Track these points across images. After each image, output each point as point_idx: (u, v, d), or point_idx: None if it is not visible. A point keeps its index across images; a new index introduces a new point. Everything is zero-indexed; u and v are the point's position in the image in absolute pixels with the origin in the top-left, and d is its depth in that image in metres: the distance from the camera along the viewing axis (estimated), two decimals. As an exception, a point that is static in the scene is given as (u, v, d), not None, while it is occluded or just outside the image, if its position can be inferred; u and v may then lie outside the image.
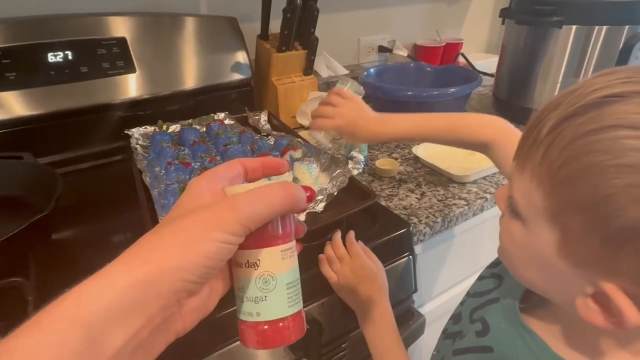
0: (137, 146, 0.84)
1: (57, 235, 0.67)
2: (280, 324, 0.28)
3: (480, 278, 0.50)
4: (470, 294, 0.50)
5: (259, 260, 0.27)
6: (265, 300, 0.28)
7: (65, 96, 0.84)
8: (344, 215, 0.60)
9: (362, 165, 0.79)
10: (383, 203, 0.75)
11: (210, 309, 0.27)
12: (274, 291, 0.28)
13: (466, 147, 0.64)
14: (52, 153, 0.86)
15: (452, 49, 1.50)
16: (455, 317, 0.49)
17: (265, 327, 0.28)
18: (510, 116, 1.20)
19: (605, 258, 0.26)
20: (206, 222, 0.24)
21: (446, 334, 0.49)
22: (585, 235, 0.27)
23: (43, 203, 0.61)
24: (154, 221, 0.60)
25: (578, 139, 0.26)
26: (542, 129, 0.28)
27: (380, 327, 0.55)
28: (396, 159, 0.93)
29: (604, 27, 0.96)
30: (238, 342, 0.52)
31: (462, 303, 0.50)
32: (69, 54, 0.84)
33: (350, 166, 0.71)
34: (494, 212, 0.83)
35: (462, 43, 1.52)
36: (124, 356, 0.22)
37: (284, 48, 1.02)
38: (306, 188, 0.29)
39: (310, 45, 1.04)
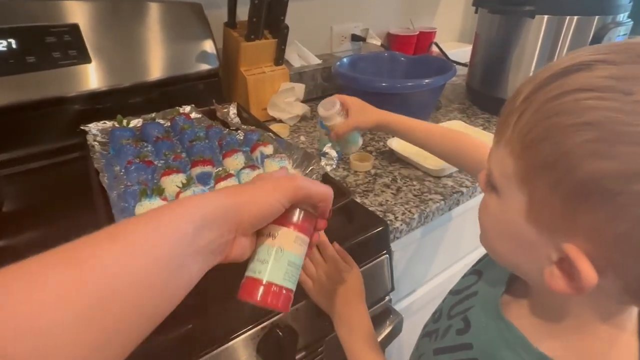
0: (95, 143, 0.77)
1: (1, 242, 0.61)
2: (273, 288, 0.35)
3: (463, 276, 0.50)
4: (451, 292, 0.49)
5: (277, 233, 0.37)
6: (269, 263, 0.36)
7: (10, 89, 0.76)
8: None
9: (336, 162, 0.76)
10: (358, 200, 0.73)
11: (245, 258, 0.36)
12: (278, 260, 0.36)
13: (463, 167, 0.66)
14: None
15: (426, 38, 1.48)
16: (435, 315, 0.49)
17: (261, 285, 0.35)
18: (483, 106, 1.20)
19: (565, 218, 0.27)
20: (274, 185, 0.36)
21: (424, 332, 0.49)
22: (548, 196, 0.28)
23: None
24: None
25: (545, 103, 0.28)
26: (517, 100, 0.30)
27: (357, 332, 0.53)
28: (371, 152, 0.91)
29: (575, 18, 0.96)
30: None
31: (443, 300, 0.50)
32: (13, 42, 0.76)
33: (323, 163, 0.68)
34: (470, 205, 0.83)
35: (435, 32, 1.50)
36: (204, 252, 0.30)
37: (252, 37, 0.97)
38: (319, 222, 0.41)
39: (280, 33, 0.99)
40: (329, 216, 0.41)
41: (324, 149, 0.72)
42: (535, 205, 0.29)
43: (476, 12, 1.13)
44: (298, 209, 0.38)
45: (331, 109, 0.73)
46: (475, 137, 0.64)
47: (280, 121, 1.04)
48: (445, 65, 1.08)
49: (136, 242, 0.26)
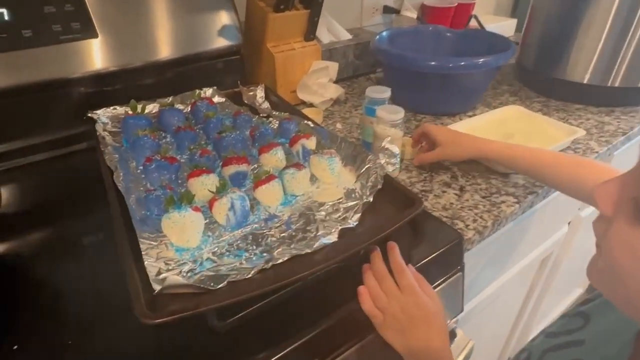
0: (105, 134, 0.66)
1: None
2: None
3: (562, 317, 0.42)
4: (545, 333, 0.42)
5: None
6: None
7: (4, 69, 0.64)
8: (389, 231, 0.45)
9: (398, 160, 0.65)
10: (418, 203, 0.61)
11: None
12: None
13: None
14: (-6, 143, 0.68)
15: (464, 10, 1.33)
16: (522, 355, 0.41)
17: None
18: (539, 88, 1.07)
19: None
20: None
21: None
22: None
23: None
24: (132, 240, 0.44)
25: None
26: None
27: None
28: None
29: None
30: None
31: (532, 340, 0.42)
32: (4, 13, 0.63)
33: (383, 161, 0.56)
34: (536, 207, 0.72)
35: (474, 4, 1.35)
36: None
37: (282, 7, 0.83)
38: None
39: (314, 3, 0.86)
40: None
41: (383, 144, 0.60)
42: None
43: (534, -21, 0.99)
44: None
45: (394, 113, 0.65)
46: (595, 162, 0.58)
47: (311, 105, 0.92)
48: (497, 42, 0.95)
49: None
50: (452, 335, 0.59)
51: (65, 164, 0.72)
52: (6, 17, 0.64)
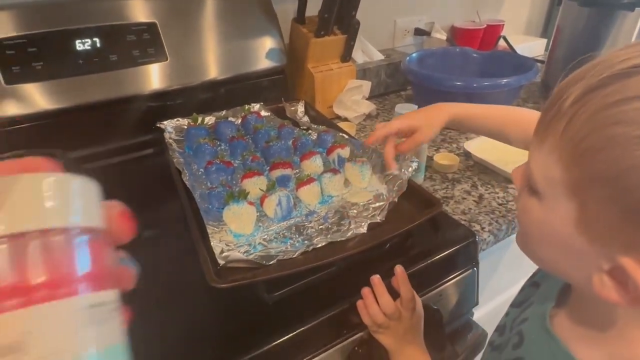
0: (171, 141, 0.78)
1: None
2: None
3: (522, 289, 0.49)
4: (513, 305, 0.49)
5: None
6: None
7: (95, 87, 0.78)
8: (411, 226, 0.54)
9: (422, 170, 0.74)
10: (439, 207, 0.69)
11: None
12: None
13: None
14: (81, 147, 0.82)
15: (493, 32, 1.40)
16: (500, 329, 0.48)
17: None
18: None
19: (623, 232, 0.26)
20: None
21: (493, 346, 0.48)
22: (604, 209, 0.26)
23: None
24: (201, 227, 0.55)
25: (602, 110, 0.25)
26: (565, 101, 0.27)
27: None
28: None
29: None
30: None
31: (506, 314, 0.49)
32: (97, 41, 0.77)
33: (410, 169, 0.64)
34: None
35: (503, 25, 1.42)
36: None
37: (322, 32, 0.94)
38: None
39: (350, 29, 0.96)
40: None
41: (410, 154, 0.68)
42: (587, 216, 0.28)
43: (559, 4, 1.05)
44: None
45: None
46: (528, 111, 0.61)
47: (346, 119, 1.02)
48: (523, 62, 1.01)
49: None
50: (468, 326, 0.66)
51: (137, 166, 0.85)
52: (98, 45, 0.78)
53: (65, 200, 0.14)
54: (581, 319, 0.35)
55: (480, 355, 0.65)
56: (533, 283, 0.46)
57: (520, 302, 0.46)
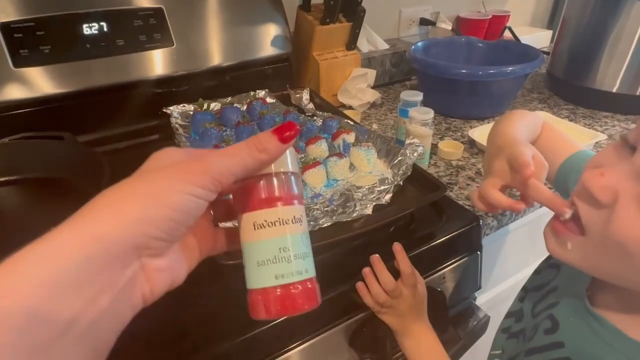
0: (177, 125, 0.79)
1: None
2: (314, 279, 0.28)
3: (537, 272, 0.48)
4: (528, 289, 0.48)
5: (301, 216, 0.27)
6: (309, 256, 0.27)
7: (101, 71, 0.78)
8: (414, 208, 0.54)
9: (426, 156, 0.75)
10: (443, 192, 0.70)
11: (182, 277, 0.26)
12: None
13: None
14: (87, 132, 0.82)
15: (498, 22, 1.39)
16: (517, 315, 0.47)
17: (309, 283, 0.27)
18: (567, 96, 1.12)
19: None
20: (174, 174, 0.22)
21: (509, 333, 0.48)
22: None
23: (87, 186, 0.57)
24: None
25: None
26: None
27: (425, 342, 0.52)
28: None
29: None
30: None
31: (521, 299, 0.48)
32: (104, 25, 0.78)
33: (415, 154, 0.65)
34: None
35: (509, 16, 1.41)
36: (81, 328, 0.18)
37: (328, 20, 0.94)
38: (281, 128, 0.25)
39: (356, 17, 0.96)
40: (288, 140, 0.25)
41: (414, 140, 0.69)
42: None
43: (565, -6, 1.05)
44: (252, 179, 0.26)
45: (425, 114, 0.73)
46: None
47: (350, 108, 1.02)
48: (528, 51, 1.01)
49: None
50: (470, 310, 0.67)
51: (144, 150, 0.85)
52: (105, 29, 0.78)
53: (286, 158, 0.27)
54: (624, 298, 0.35)
55: (481, 339, 0.66)
56: (551, 265, 0.45)
57: (539, 286, 0.45)
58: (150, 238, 0.21)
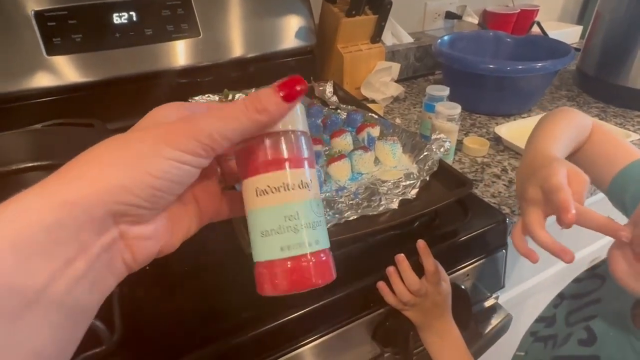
0: (202, 116, 0.80)
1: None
2: (327, 250, 0.25)
3: (578, 280, 0.47)
4: (565, 296, 0.46)
5: (310, 181, 0.24)
6: (321, 225, 0.25)
7: (129, 61, 0.80)
8: (441, 205, 0.54)
9: (452, 151, 0.74)
10: (468, 189, 0.69)
11: (173, 245, 0.24)
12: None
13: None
14: (114, 120, 0.84)
15: (527, 17, 1.36)
16: (548, 320, 0.46)
17: (322, 255, 0.24)
18: (597, 94, 1.09)
19: None
20: (158, 137, 0.20)
21: (536, 337, 0.47)
22: None
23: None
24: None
25: None
26: None
27: (448, 339, 0.51)
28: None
29: None
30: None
31: (555, 306, 0.47)
32: (134, 15, 0.79)
33: (442, 149, 0.64)
34: (590, 201, 0.76)
35: (537, 10, 1.37)
36: (54, 297, 0.17)
37: (354, 12, 0.93)
38: (285, 84, 0.22)
39: (382, 9, 0.95)
40: (293, 98, 0.22)
41: (440, 135, 0.68)
42: None
43: (600, -13, 1.01)
44: (258, 139, 0.24)
45: (451, 109, 0.72)
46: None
47: (373, 101, 1.01)
48: (557, 47, 0.98)
49: None
50: (492, 308, 0.66)
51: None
52: (134, 19, 0.79)
53: (295, 116, 0.24)
54: None
55: (505, 339, 0.66)
56: (595, 275, 0.44)
57: (579, 295, 0.43)
58: (129, 206, 0.19)
